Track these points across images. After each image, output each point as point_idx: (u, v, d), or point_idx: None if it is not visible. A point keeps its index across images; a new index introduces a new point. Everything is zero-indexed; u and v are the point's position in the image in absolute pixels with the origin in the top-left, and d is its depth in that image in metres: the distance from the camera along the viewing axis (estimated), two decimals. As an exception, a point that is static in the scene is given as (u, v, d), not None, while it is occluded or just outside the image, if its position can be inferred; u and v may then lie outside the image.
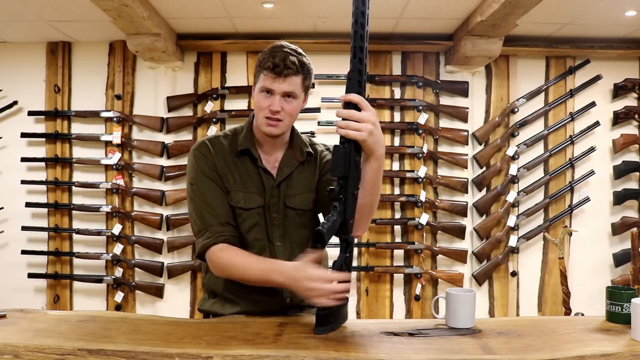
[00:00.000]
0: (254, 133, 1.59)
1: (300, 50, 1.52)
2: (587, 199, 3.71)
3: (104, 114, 3.65)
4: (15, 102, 3.70)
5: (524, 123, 3.69)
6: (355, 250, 3.67)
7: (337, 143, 1.31)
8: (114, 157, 3.62)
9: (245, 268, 1.44)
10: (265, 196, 1.55)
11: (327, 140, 1.89)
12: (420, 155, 3.63)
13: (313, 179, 1.61)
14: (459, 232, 3.65)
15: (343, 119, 1.28)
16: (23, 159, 3.64)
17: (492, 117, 3.74)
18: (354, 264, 3.64)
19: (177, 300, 3.67)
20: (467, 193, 3.68)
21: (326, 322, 1.31)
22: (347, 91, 1.28)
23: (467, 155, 3.68)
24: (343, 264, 1.33)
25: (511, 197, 3.66)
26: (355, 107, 1.28)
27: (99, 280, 3.60)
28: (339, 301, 1.31)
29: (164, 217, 3.65)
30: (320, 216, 1.66)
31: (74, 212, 3.70)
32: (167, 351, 1.16)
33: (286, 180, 1.58)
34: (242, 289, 1.51)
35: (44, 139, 3.71)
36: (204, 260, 1.52)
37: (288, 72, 1.45)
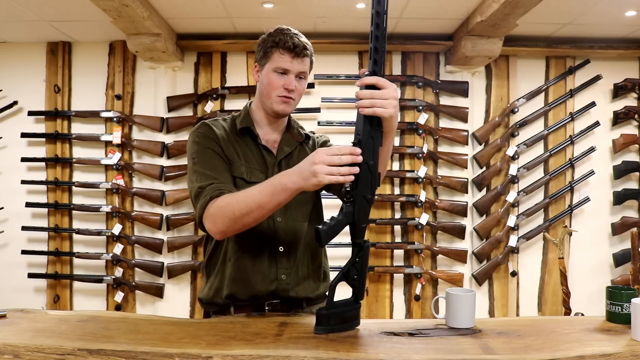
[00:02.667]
0: (253, 116, 1.62)
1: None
2: (587, 199, 3.71)
3: (104, 114, 3.65)
4: (15, 102, 3.70)
5: (524, 123, 3.69)
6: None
7: (350, 144, 1.30)
8: (114, 157, 3.62)
9: (246, 195, 1.37)
10: (268, 173, 1.56)
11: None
12: (420, 155, 3.63)
13: None
14: (459, 232, 3.65)
15: (366, 99, 1.26)
16: (23, 159, 3.64)
17: (492, 117, 3.74)
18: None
19: (177, 300, 3.67)
20: (467, 193, 3.68)
21: (326, 322, 1.31)
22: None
23: (467, 155, 3.68)
24: (352, 268, 1.33)
25: (511, 197, 3.66)
26: (373, 88, 1.28)
27: (99, 280, 3.60)
28: (346, 176, 1.25)
29: (164, 217, 3.65)
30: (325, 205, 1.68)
31: (74, 212, 3.70)
32: (167, 351, 1.16)
33: (287, 158, 1.60)
34: (238, 268, 1.52)
35: (44, 139, 3.71)
36: (205, 230, 1.46)
37: (305, 53, 1.54)
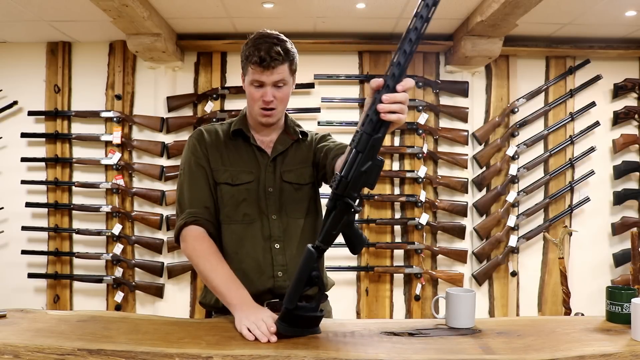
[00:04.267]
0: (248, 119, 1.66)
1: (282, 36, 1.55)
2: (587, 199, 3.71)
3: (104, 114, 3.65)
4: (15, 102, 3.70)
5: (524, 123, 3.69)
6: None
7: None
8: (114, 157, 3.62)
9: (210, 270, 1.49)
10: (260, 173, 1.59)
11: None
12: (420, 155, 3.63)
13: (309, 154, 1.66)
14: (459, 232, 3.65)
15: (391, 103, 1.14)
16: (23, 159, 3.64)
17: (492, 117, 3.74)
18: (354, 264, 3.64)
19: (177, 300, 3.67)
20: (467, 193, 3.68)
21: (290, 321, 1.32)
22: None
23: (467, 155, 3.68)
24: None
25: (511, 197, 3.66)
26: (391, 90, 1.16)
27: (99, 280, 3.60)
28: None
29: (164, 217, 3.65)
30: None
31: (74, 212, 3.70)
32: (167, 351, 1.16)
33: (281, 155, 1.63)
34: (235, 267, 1.53)
35: (44, 139, 3.71)
36: (179, 244, 1.60)
37: (275, 64, 1.50)
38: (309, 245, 1.30)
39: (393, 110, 1.14)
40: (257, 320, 1.31)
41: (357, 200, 1.23)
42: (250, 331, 1.29)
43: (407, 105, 1.17)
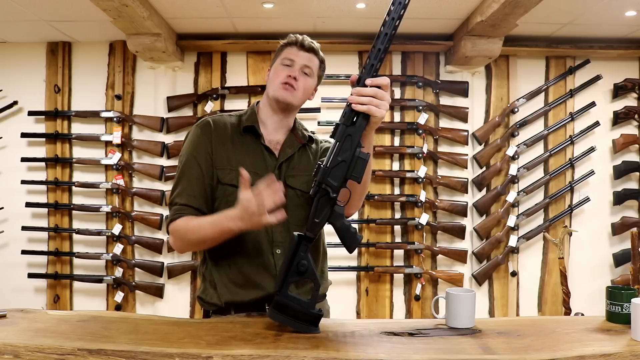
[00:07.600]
0: (259, 114, 1.65)
1: None
2: (587, 199, 3.71)
3: (104, 114, 3.65)
4: (15, 102, 3.70)
5: (524, 123, 3.69)
6: (355, 250, 3.66)
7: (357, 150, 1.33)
8: (114, 157, 3.62)
9: (199, 226, 1.47)
10: (266, 175, 1.56)
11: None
12: (420, 155, 3.63)
13: (313, 163, 1.65)
14: (459, 232, 3.65)
15: (363, 95, 1.31)
16: (23, 159, 3.64)
17: (492, 117, 3.74)
18: (354, 264, 3.64)
19: (177, 300, 3.67)
20: (467, 193, 3.68)
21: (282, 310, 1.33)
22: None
23: (467, 155, 3.68)
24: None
25: (511, 197, 3.66)
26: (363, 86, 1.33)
27: (99, 280, 3.60)
28: (275, 217, 1.36)
29: (164, 217, 3.65)
30: None
31: (74, 212, 3.70)
32: (167, 351, 1.16)
33: (288, 161, 1.61)
34: (236, 271, 1.53)
35: (44, 139, 3.71)
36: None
37: (312, 48, 1.60)
38: (295, 232, 1.37)
39: (361, 102, 1.30)
40: (248, 212, 1.36)
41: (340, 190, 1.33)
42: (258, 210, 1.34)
43: (386, 101, 1.32)
